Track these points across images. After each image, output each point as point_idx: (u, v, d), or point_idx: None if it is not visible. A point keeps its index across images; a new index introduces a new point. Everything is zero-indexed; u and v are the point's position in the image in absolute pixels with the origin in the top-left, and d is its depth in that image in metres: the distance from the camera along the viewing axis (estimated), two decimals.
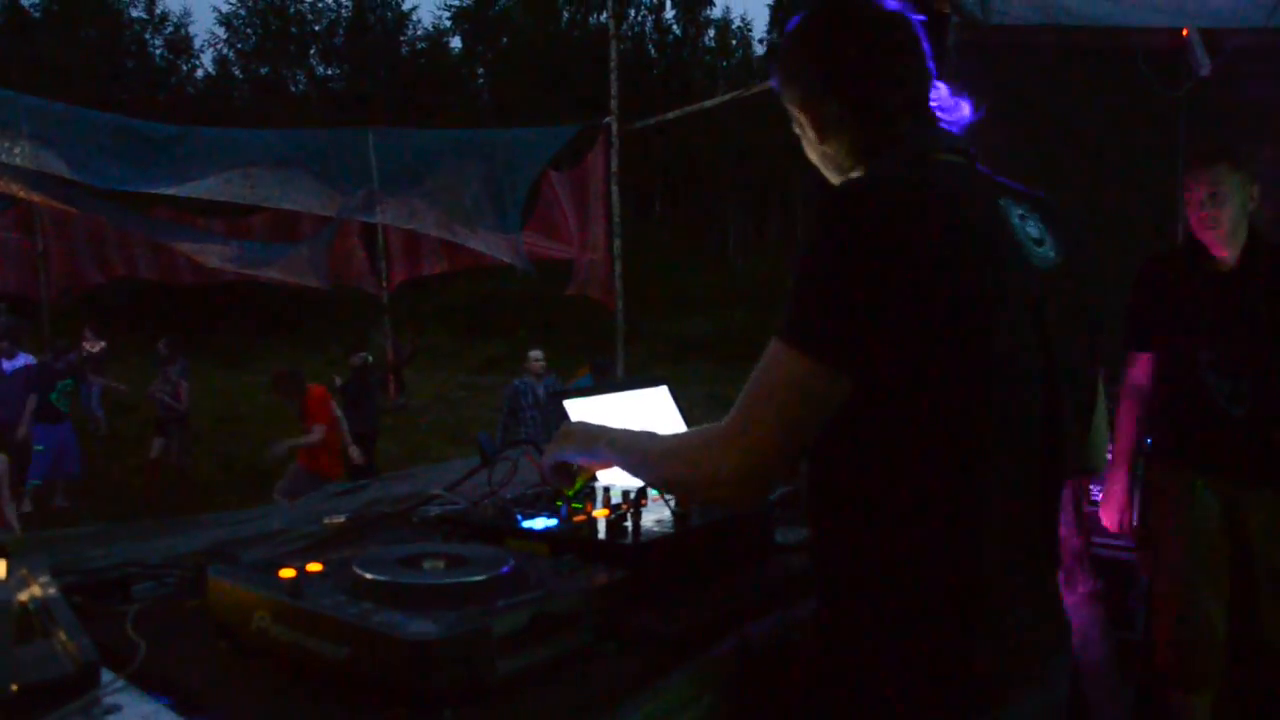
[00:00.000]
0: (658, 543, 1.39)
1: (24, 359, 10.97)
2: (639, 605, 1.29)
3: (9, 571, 1.26)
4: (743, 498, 1.22)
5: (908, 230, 1.13)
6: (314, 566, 1.24)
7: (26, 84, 17.14)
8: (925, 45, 1.36)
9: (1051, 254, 1.30)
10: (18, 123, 9.29)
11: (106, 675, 1.12)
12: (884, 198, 1.16)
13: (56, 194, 10.09)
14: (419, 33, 37.55)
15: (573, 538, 1.43)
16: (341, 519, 1.89)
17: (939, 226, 1.15)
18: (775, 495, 1.90)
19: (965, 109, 1.39)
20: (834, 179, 1.43)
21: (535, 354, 10.27)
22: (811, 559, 1.31)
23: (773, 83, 1.47)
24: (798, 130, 1.46)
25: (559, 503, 1.61)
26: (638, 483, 1.69)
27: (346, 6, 36.32)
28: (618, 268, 11.93)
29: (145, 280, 16.21)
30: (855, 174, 1.36)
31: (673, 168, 28.29)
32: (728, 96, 9.70)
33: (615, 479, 1.82)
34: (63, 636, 1.13)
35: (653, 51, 32.90)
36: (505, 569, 1.20)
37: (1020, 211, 1.30)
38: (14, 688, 1.03)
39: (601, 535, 1.42)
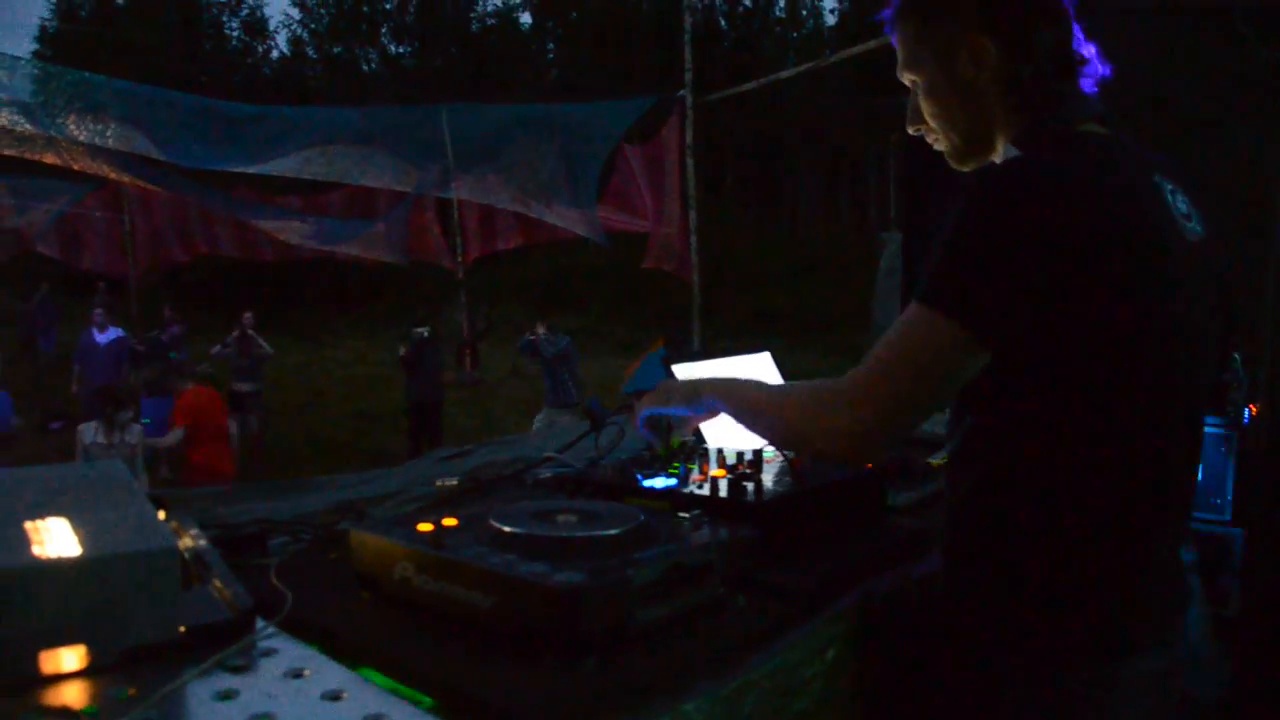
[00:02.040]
0: (780, 500, 1.40)
1: (115, 332, 11.36)
2: (764, 561, 1.31)
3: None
4: (857, 453, 1.24)
5: (1063, 212, 1.14)
6: (449, 521, 1.27)
7: (111, 67, 17.64)
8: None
9: (1199, 229, 1.31)
10: (108, 105, 9.56)
11: (259, 622, 1.17)
12: (1041, 180, 1.17)
13: (144, 174, 10.39)
14: (488, 8, 37.89)
15: (695, 496, 1.45)
16: (453, 481, 1.93)
17: (1095, 209, 1.16)
18: (886, 458, 1.90)
19: (1099, 64, 1.37)
20: (948, 142, 1.42)
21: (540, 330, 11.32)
22: (948, 521, 1.34)
23: (888, 28, 1.44)
24: (912, 83, 1.43)
25: (675, 464, 1.63)
26: (748, 445, 1.71)
27: None
28: (693, 241, 11.91)
29: (227, 257, 16.63)
30: (999, 145, 1.36)
31: (744, 140, 28.09)
32: (804, 68, 9.59)
33: (724, 441, 1.84)
34: (218, 584, 1.19)
35: (723, 23, 32.61)
36: (637, 523, 1.22)
37: (1170, 186, 1.30)
38: (182, 629, 1.09)
39: (724, 494, 1.43)
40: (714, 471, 1.56)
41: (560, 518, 1.25)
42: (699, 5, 30.09)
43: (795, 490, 1.44)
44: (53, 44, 34.85)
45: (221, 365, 11.32)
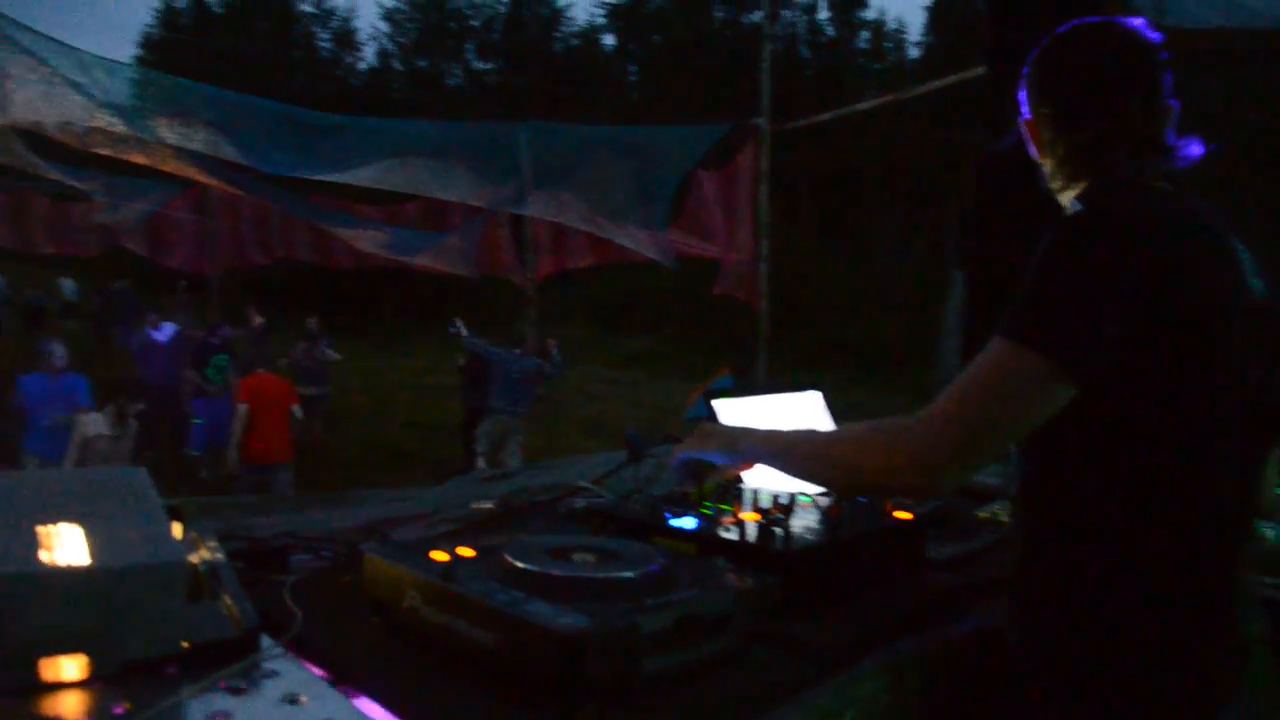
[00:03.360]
0: (809, 550, 1.35)
1: (170, 329, 11.62)
2: (787, 613, 1.26)
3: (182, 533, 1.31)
4: (930, 485, 1.24)
5: (1141, 260, 1.18)
6: (466, 551, 1.25)
7: (205, 74, 18.19)
8: (1166, 78, 1.37)
9: (1262, 287, 1.34)
10: (197, 110, 9.85)
11: (265, 641, 1.15)
12: (1121, 228, 1.21)
13: (228, 177, 10.65)
14: (573, 29, 38.30)
15: (721, 540, 1.40)
16: (489, 505, 1.91)
17: (1169, 262, 1.20)
18: (926, 511, 1.83)
19: (1195, 147, 1.38)
20: (1055, 191, 1.47)
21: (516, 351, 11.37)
22: (1020, 560, 1.32)
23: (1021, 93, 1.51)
24: None
25: (706, 504, 1.59)
26: (789, 487, 1.66)
27: (504, 3, 37.28)
28: (763, 269, 11.86)
29: (304, 262, 16.98)
30: (1066, 194, 1.42)
31: (822, 171, 27.93)
32: (883, 99, 9.49)
33: (765, 483, 1.79)
34: (228, 600, 1.17)
35: (805, 52, 32.52)
36: (655, 567, 1.18)
37: (1239, 246, 1.34)
38: (185, 644, 1.07)
39: (752, 539, 1.38)
40: (745, 515, 1.51)
41: (577, 556, 1.22)
42: (780, 34, 30.08)
43: (826, 540, 1.39)
44: (154, 50, 36.11)
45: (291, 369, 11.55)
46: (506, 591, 1.09)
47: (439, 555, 1.22)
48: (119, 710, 0.97)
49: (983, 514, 1.94)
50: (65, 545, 1.06)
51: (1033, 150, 1.48)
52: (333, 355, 11.54)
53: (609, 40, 38.13)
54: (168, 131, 10.08)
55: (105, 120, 10.03)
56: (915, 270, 23.49)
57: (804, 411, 2.13)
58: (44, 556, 1.03)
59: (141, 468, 1.32)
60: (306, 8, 37.28)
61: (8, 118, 9.86)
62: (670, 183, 12.45)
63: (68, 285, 22.45)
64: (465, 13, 37.64)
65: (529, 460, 9.37)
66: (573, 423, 16.69)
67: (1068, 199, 1.40)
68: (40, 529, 1.09)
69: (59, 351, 8.08)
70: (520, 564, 1.15)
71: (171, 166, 11.14)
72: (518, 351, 11.40)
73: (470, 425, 11.54)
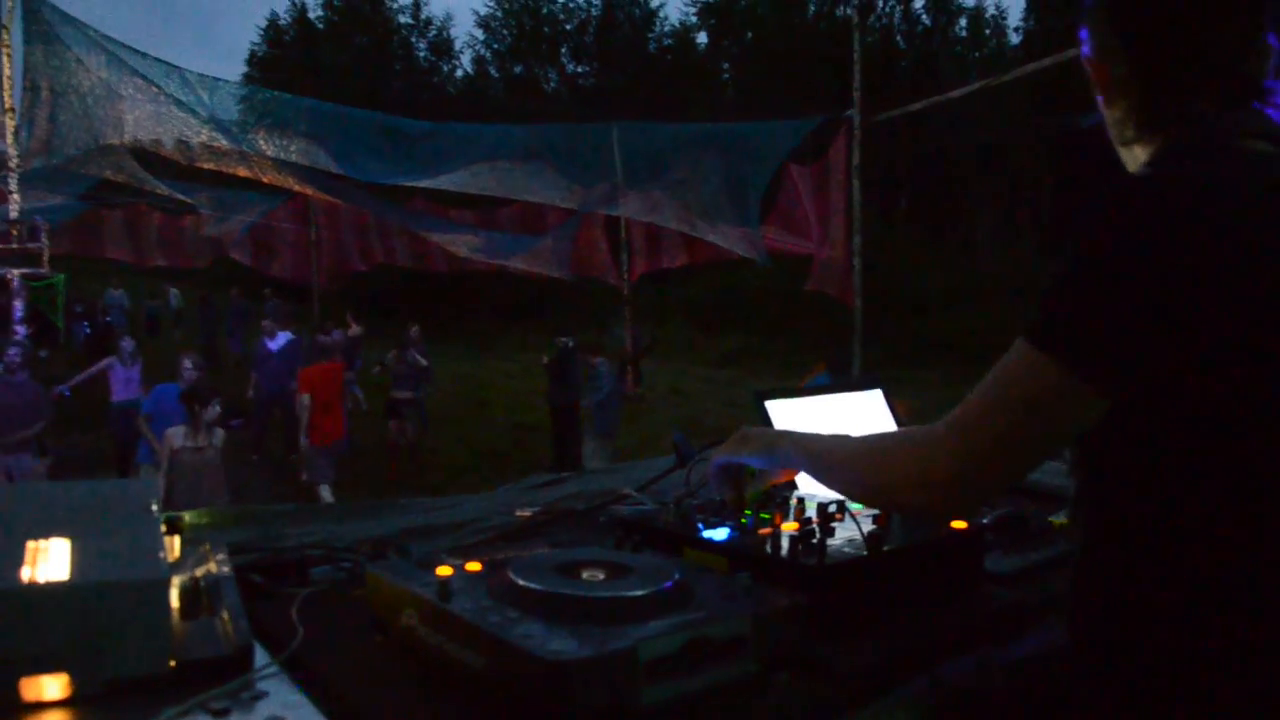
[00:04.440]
0: (844, 565, 1.24)
1: (284, 337, 11.96)
2: (818, 634, 1.16)
3: (186, 546, 1.28)
4: (950, 507, 1.14)
5: (1201, 242, 0.96)
6: (473, 566, 1.18)
7: (308, 87, 18.74)
8: (1271, 7, 1.13)
9: None
10: (294, 122, 10.13)
11: (263, 659, 1.11)
12: (1178, 198, 0.99)
13: (324, 186, 10.94)
14: (666, 29, 38.26)
15: (751, 553, 1.31)
16: (530, 512, 1.85)
17: (1245, 237, 0.97)
18: (990, 518, 1.70)
19: None
20: (1119, 150, 1.26)
21: (599, 360, 11.42)
22: (1078, 584, 1.18)
23: (1082, 31, 1.29)
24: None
25: (746, 511, 1.50)
26: (837, 496, 1.55)
27: (596, 5, 37.48)
28: (857, 264, 11.62)
29: (402, 268, 17.33)
30: (1137, 149, 1.19)
31: (919, 163, 27.30)
32: (974, 86, 9.18)
33: (815, 489, 1.68)
34: (225, 617, 1.13)
35: (901, 43, 31.77)
36: (667, 584, 1.10)
37: None
38: (172, 664, 1.03)
39: (784, 553, 1.28)
40: (786, 525, 1.41)
41: (586, 573, 1.14)
42: (875, 25, 29.50)
43: (866, 553, 1.28)
44: (260, 67, 37.41)
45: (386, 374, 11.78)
46: (500, 612, 1.02)
47: (443, 571, 1.16)
48: None
49: (1057, 520, 1.79)
50: (49, 561, 1.03)
51: (1099, 97, 1.25)
52: (421, 361, 11.73)
53: (701, 39, 38.01)
54: (266, 144, 10.40)
55: (208, 135, 10.39)
56: (1017, 262, 22.79)
57: (865, 411, 2.01)
58: (24, 572, 1.01)
59: (151, 480, 1.29)
60: (404, 19, 38.18)
61: (121, 137, 10.30)
62: (761, 178, 12.32)
63: (174, 295, 23.40)
64: (559, 17, 38.01)
65: (618, 461, 9.35)
66: (666, 423, 16.63)
67: (1136, 157, 1.20)
68: (30, 544, 1.06)
69: (189, 365, 8.32)
70: (521, 581, 1.08)
71: (271, 178, 11.50)
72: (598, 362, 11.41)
73: (556, 420, 11.67)
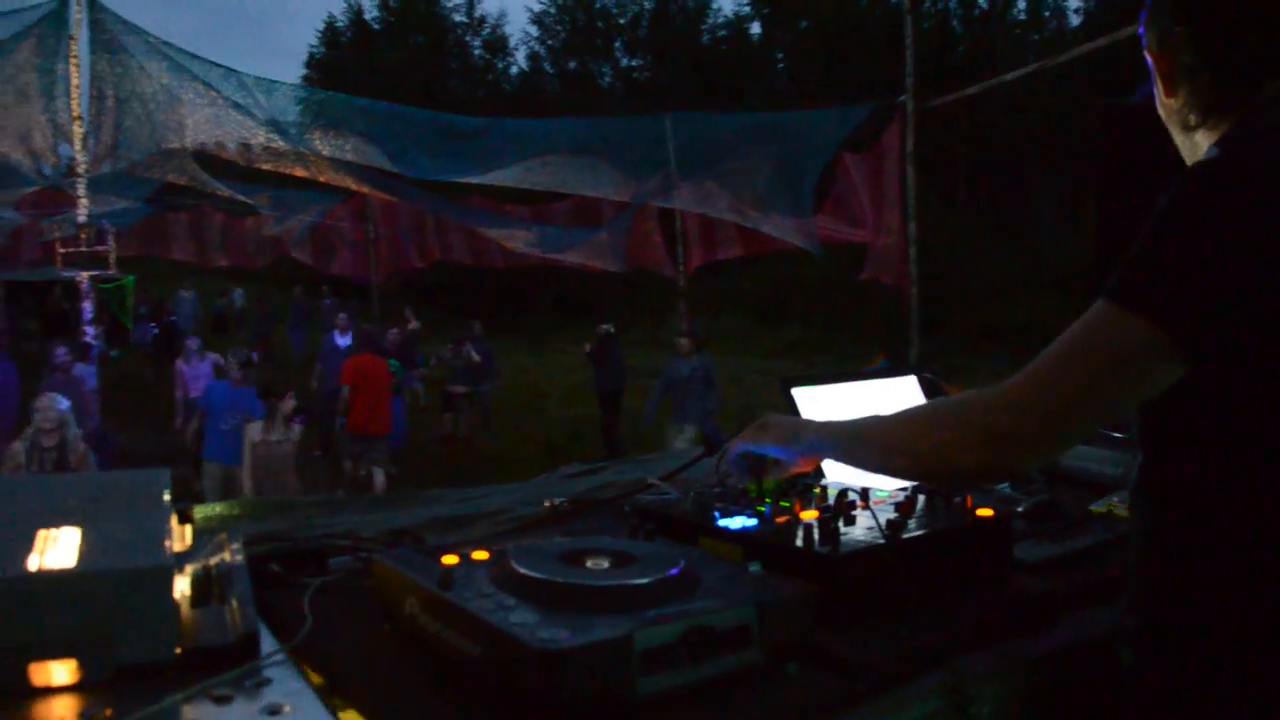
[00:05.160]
0: (859, 554, 1.22)
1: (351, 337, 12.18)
2: (831, 624, 1.13)
3: (200, 536, 1.30)
4: (1016, 463, 1.12)
5: (1276, 215, 1.00)
6: (479, 554, 1.18)
7: (365, 87, 18.98)
8: None
9: None
10: (349, 121, 10.25)
11: (272, 647, 1.11)
12: (1252, 177, 1.03)
13: (380, 185, 11.06)
14: (719, 20, 38.06)
15: (766, 542, 1.29)
16: (559, 502, 1.84)
17: None
18: (1025, 506, 1.65)
19: None
20: (1177, 137, 1.26)
21: (682, 340, 11.44)
22: (1143, 564, 1.16)
23: (1142, 25, 1.30)
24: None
25: (766, 500, 1.47)
26: (867, 482, 1.52)
27: None
28: (912, 252, 11.46)
29: (460, 264, 17.47)
30: (1199, 135, 1.20)
31: (979, 149, 26.82)
32: (1029, 69, 8.98)
33: (841, 477, 1.65)
34: (234, 605, 1.14)
35: (958, 28, 31.18)
36: (672, 573, 1.08)
37: None
38: (178, 651, 1.04)
39: (799, 541, 1.26)
40: (806, 513, 1.38)
41: (590, 561, 1.13)
42: (931, 10, 29.02)
43: (883, 541, 1.25)
44: (319, 69, 37.99)
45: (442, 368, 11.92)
46: (497, 600, 1.01)
47: (449, 559, 1.15)
48: (100, 716, 0.95)
49: (1096, 508, 1.74)
50: (58, 549, 1.05)
51: (1155, 87, 1.26)
52: (474, 357, 11.83)
53: (755, 29, 37.75)
54: (323, 144, 10.54)
55: (266, 136, 10.57)
56: (1080, 248, 22.29)
57: (897, 399, 1.97)
58: (32, 560, 1.02)
59: (164, 470, 1.30)
60: (459, 17, 38.49)
61: (183, 141, 10.52)
62: (814, 167, 12.20)
63: (238, 294, 23.90)
64: (612, 11, 38.01)
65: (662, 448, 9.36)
66: (726, 415, 16.57)
67: (1198, 144, 1.20)
68: (40, 532, 1.08)
69: (233, 361, 8.52)
70: (521, 569, 1.07)
71: (328, 177, 11.66)
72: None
73: (603, 405, 11.85)
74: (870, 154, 12.09)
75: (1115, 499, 1.76)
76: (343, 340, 12.16)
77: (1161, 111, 1.27)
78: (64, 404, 6.66)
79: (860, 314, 21.48)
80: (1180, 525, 1.11)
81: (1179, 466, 1.11)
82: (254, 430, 7.43)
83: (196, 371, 10.61)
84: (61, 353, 8.76)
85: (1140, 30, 1.28)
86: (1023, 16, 31.75)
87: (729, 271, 23.24)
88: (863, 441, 1.27)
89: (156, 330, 17.35)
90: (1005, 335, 20.21)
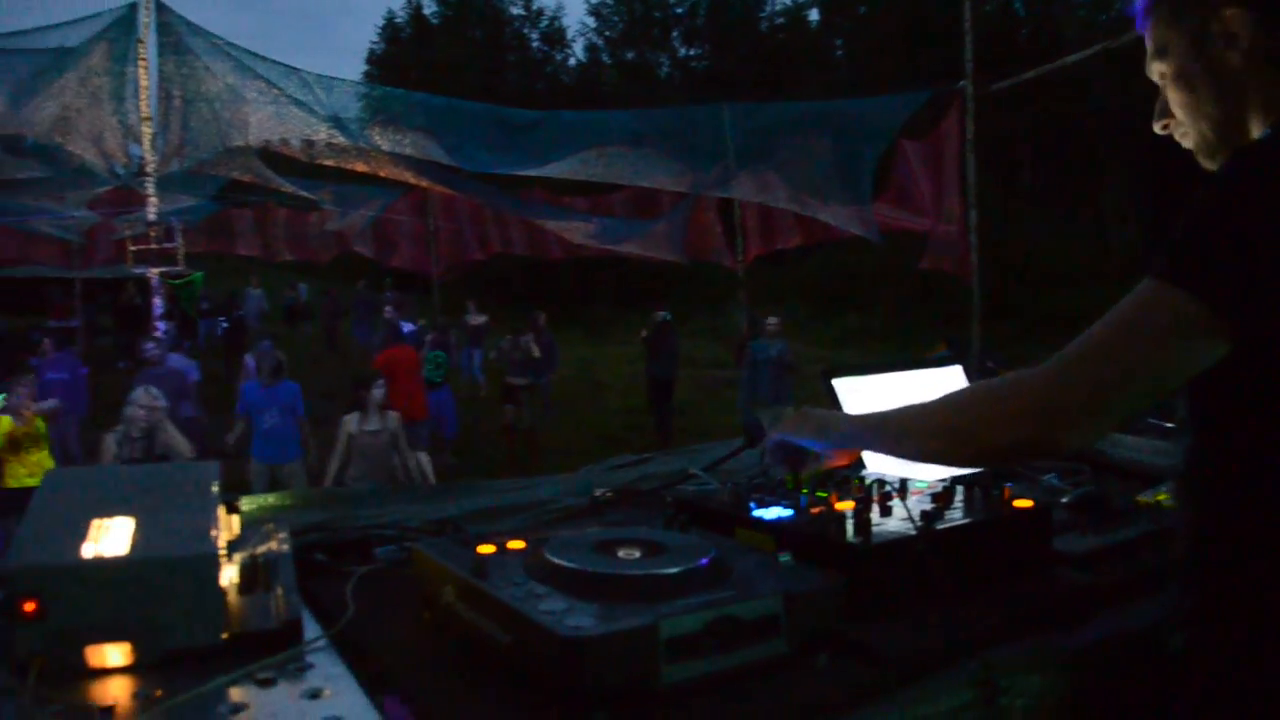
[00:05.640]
0: (890, 545, 1.22)
1: (410, 327, 12.40)
2: (861, 616, 1.14)
3: (248, 527, 1.34)
4: (1052, 442, 1.09)
5: None
6: (515, 544, 1.20)
7: (424, 82, 19.19)
8: None
9: None
10: (408, 116, 10.39)
11: (315, 632, 1.15)
12: None
13: (439, 178, 11.20)
14: (777, 8, 37.74)
15: (799, 532, 1.29)
16: (603, 492, 1.87)
17: None
18: (1070, 497, 1.64)
19: None
20: (1197, 135, 1.22)
21: (771, 320, 11.53)
22: (1188, 553, 1.16)
23: (1139, 23, 1.28)
24: (1160, 76, 1.26)
25: (804, 490, 1.48)
26: (907, 472, 1.52)
27: None
28: (973, 239, 11.29)
29: (519, 256, 17.60)
30: (1242, 126, 1.16)
31: (1042, 134, 26.24)
32: (1090, 51, 8.77)
33: (882, 468, 1.65)
34: (279, 592, 1.18)
35: (1020, 10, 30.50)
36: (700, 563, 1.10)
37: None
38: (225, 636, 1.09)
39: (831, 532, 1.27)
40: (842, 504, 1.38)
41: (622, 551, 1.15)
42: None
43: (911, 533, 1.25)
44: (379, 65, 38.50)
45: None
46: (528, 589, 1.04)
47: (485, 549, 1.18)
48: (149, 697, 0.99)
49: (1144, 499, 1.71)
50: (112, 538, 1.10)
51: (1184, 86, 1.21)
52: (533, 350, 11.92)
53: (814, 16, 37.35)
54: (382, 139, 10.69)
55: (327, 133, 10.74)
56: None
57: (943, 389, 1.96)
58: (88, 549, 1.07)
59: (213, 462, 1.35)
60: (517, 10, 38.69)
61: (247, 139, 10.75)
62: (872, 155, 12.08)
63: (302, 289, 24.35)
64: (668, 1, 37.90)
65: (721, 436, 9.34)
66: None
67: (1250, 131, 1.17)
68: (96, 522, 1.13)
69: (265, 365, 8.65)
70: (553, 559, 1.09)
71: (388, 172, 11.82)
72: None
73: (653, 390, 11.90)
74: (929, 140, 11.93)
75: (1164, 489, 1.74)
76: (409, 327, 12.41)
77: (1180, 114, 1.22)
78: (159, 397, 6.86)
79: (921, 302, 21.21)
80: (1232, 510, 1.11)
81: (1229, 451, 1.11)
82: (350, 422, 7.56)
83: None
84: (150, 346, 9.03)
85: (1140, 24, 1.25)
86: None
87: (789, 261, 23.07)
88: (897, 428, 1.26)
89: (227, 324, 17.76)
90: (1070, 323, 19.73)
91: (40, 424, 7.57)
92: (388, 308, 13.51)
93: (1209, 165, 1.24)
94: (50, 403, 8.44)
